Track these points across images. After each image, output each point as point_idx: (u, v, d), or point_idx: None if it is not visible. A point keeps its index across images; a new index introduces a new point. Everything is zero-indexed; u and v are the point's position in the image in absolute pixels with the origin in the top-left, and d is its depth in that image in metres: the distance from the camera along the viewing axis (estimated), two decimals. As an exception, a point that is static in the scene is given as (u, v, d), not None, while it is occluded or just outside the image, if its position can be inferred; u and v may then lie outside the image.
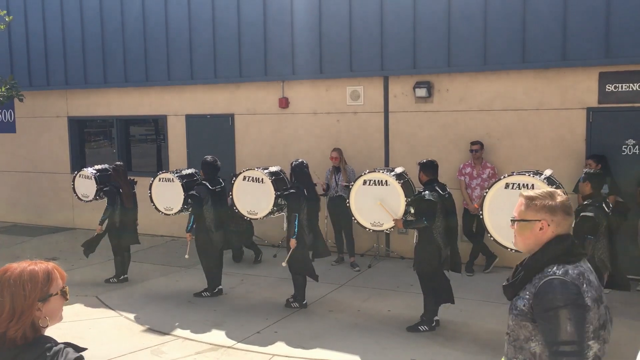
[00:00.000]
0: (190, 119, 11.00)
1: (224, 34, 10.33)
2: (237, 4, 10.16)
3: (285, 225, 7.33)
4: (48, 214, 12.63)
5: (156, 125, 11.87)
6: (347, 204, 6.86)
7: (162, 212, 8.18)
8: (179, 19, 10.67)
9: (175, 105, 11.11)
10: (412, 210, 6.50)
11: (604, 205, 5.75)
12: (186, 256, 8.01)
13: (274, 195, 7.34)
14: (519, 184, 5.71)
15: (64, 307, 2.23)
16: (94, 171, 8.87)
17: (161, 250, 10.43)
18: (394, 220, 6.51)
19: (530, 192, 2.65)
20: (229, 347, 6.18)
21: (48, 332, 2.18)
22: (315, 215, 7.33)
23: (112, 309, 7.41)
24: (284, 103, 10.08)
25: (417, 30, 8.92)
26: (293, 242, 7.07)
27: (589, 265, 2.61)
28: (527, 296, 2.53)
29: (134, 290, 8.17)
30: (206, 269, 7.80)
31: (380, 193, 6.62)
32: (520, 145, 8.59)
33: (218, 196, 7.66)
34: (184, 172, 8.21)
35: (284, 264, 7.26)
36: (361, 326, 6.65)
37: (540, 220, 2.57)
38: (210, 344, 6.26)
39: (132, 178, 8.73)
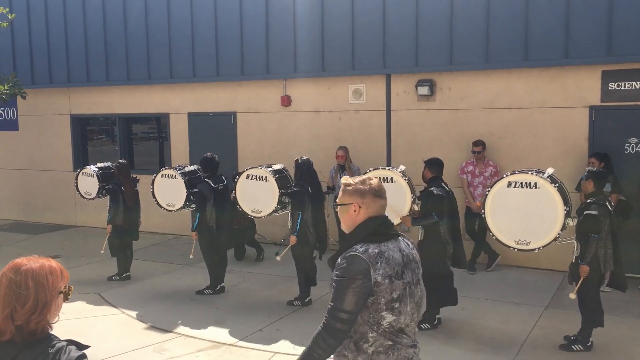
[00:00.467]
0: (193, 117, 11.00)
1: (226, 32, 10.33)
2: (240, 2, 10.15)
3: (289, 223, 7.33)
4: (50, 211, 12.65)
5: (158, 123, 11.88)
6: None
7: (164, 208, 8.19)
8: (181, 17, 10.68)
9: (178, 103, 11.12)
10: (417, 207, 6.49)
11: (607, 203, 5.74)
12: (190, 256, 8.02)
13: (278, 194, 7.34)
14: (521, 183, 5.71)
15: (67, 305, 2.23)
16: (97, 169, 8.88)
17: (163, 248, 10.44)
18: (401, 218, 6.48)
19: (347, 179, 2.97)
20: (231, 344, 6.19)
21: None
22: (319, 213, 7.32)
23: (115, 307, 7.43)
24: (286, 101, 10.09)
25: (420, 29, 8.91)
26: (293, 239, 7.07)
27: (403, 244, 2.87)
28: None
29: (136, 288, 8.18)
30: (210, 267, 7.81)
31: (386, 190, 6.58)
32: (522, 143, 8.58)
33: (221, 194, 7.67)
34: (186, 169, 8.22)
35: (278, 258, 7.32)
36: (363, 324, 6.65)
37: (352, 204, 2.86)
38: (212, 341, 6.27)
39: (134, 176, 8.74)
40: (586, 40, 7.96)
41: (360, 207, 2.85)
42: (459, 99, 8.93)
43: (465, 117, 8.90)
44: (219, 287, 7.81)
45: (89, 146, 12.62)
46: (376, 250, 2.73)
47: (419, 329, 6.34)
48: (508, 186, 5.76)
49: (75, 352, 2.12)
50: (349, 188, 2.90)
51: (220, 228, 7.68)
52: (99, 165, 9.03)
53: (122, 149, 11.86)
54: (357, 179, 2.94)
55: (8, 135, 13.06)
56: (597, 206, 5.62)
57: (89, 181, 8.87)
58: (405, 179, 6.56)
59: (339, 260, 2.77)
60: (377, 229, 2.81)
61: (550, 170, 5.87)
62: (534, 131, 8.50)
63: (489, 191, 5.90)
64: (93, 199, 8.96)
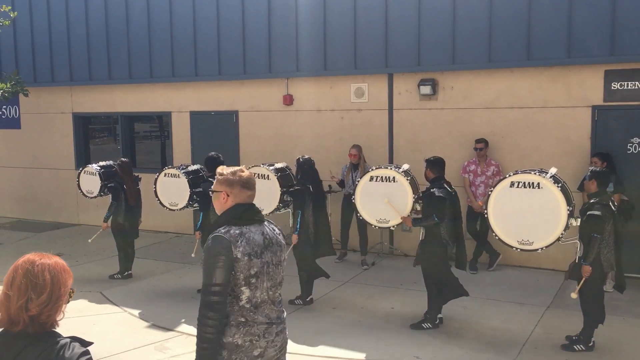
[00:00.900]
0: (195, 116, 11.01)
1: (228, 30, 10.32)
2: (242, 0, 10.15)
3: (290, 221, 7.33)
4: (52, 210, 12.66)
5: (160, 122, 11.89)
6: (353, 200, 6.84)
7: (167, 207, 8.18)
8: (183, 16, 10.68)
9: (180, 102, 11.12)
10: (419, 208, 6.48)
11: (610, 204, 5.73)
12: (192, 255, 8.03)
13: (280, 192, 7.34)
14: (524, 183, 5.70)
15: (69, 303, 2.26)
16: (99, 167, 8.88)
17: (165, 246, 10.45)
18: (402, 218, 6.47)
19: (221, 169, 3.30)
20: (232, 343, 6.19)
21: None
22: (321, 212, 7.31)
23: (116, 305, 7.43)
24: (288, 100, 10.08)
25: (422, 28, 8.90)
26: (295, 238, 7.07)
27: (267, 229, 3.21)
28: None
29: (138, 287, 8.19)
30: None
31: (388, 190, 6.58)
32: (524, 143, 8.57)
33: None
34: (190, 168, 8.22)
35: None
36: (364, 323, 6.66)
37: (222, 192, 3.20)
38: (214, 340, 6.27)
39: (136, 174, 8.74)
40: (589, 39, 7.95)
41: (228, 195, 3.19)
42: (461, 98, 8.92)
43: (468, 116, 8.89)
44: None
45: (91, 145, 12.63)
46: (237, 231, 3.07)
47: (420, 329, 6.37)
48: (511, 186, 5.76)
49: (79, 349, 2.14)
50: (221, 178, 3.23)
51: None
52: (101, 163, 9.04)
53: (124, 147, 11.86)
54: (230, 169, 3.26)
55: (10, 134, 13.08)
56: (601, 206, 5.61)
57: (91, 180, 8.87)
58: (407, 179, 6.55)
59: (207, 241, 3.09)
60: (242, 214, 3.15)
61: (553, 170, 5.86)
62: (536, 131, 8.48)
63: (491, 191, 5.89)
64: (95, 197, 8.96)
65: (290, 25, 9.82)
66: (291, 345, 6.08)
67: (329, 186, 8.99)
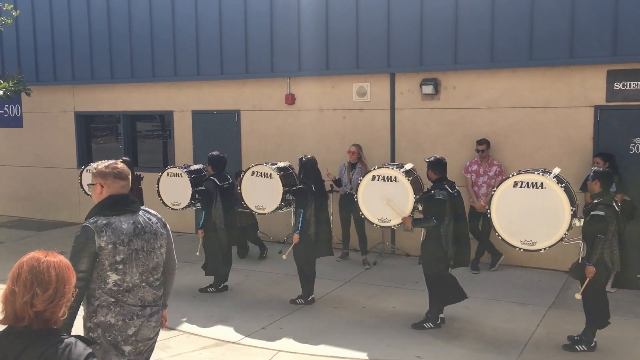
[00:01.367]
0: (197, 115, 11.01)
1: (231, 30, 10.32)
2: (244, 0, 10.15)
3: (292, 220, 7.33)
4: (54, 209, 12.67)
5: (162, 121, 11.89)
6: (355, 199, 6.85)
7: (170, 207, 8.19)
8: (185, 15, 10.68)
9: (182, 101, 11.13)
10: (421, 208, 6.47)
11: (614, 204, 5.71)
12: (197, 253, 8.03)
13: (282, 191, 7.35)
14: (527, 183, 5.69)
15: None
16: (101, 166, 8.87)
17: (167, 245, 10.44)
18: (402, 218, 6.47)
19: (96, 164, 3.56)
20: (234, 342, 6.20)
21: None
22: (323, 212, 7.32)
23: (118, 304, 7.43)
24: (290, 99, 10.08)
25: (424, 27, 8.90)
26: (296, 237, 7.08)
27: (143, 218, 3.49)
28: None
29: (139, 286, 8.18)
30: (214, 265, 7.82)
31: (389, 189, 6.58)
32: (526, 143, 8.56)
33: (226, 192, 7.66)
34: (192, 168, 8.23)
35: (284, 257, 7.34)
36: (366, 323, 6.66)
37: (97, 184, 3.47)
38: (216, 339, 6.28)
39: (138, 174, 8.74)
40: (591, 39, 7.94)
41: (102, 186, 3.46)
42: (463, 98, 8.91)
43: (470, 116, 8.88)
44: (222, 285, 7.81)
45: (93, 144, 12.63)
46: (104, 222, 3.34)
47: (422, 328, 6.37)
48: (514, 186, 5.75)
49: (85, 349, 2.15)
50: (95, 171, 3.50)
51: (226, 226, 7.67)
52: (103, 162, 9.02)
53: (126, 146, 11.87)
54: (105, 163, 3.52)
55: (12, 132, 13.09)
56: (604, 207, 5.60)
57: (93, 178, 8.86)
58: (409, 179, 6.54)
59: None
60: (113, 205, 3.41)
61: (556, 170, 5.85)
62: (538, 131, 8.48)
63: (494, 191, 5.89)
64: (97, 196, 8.96)
65: (293, 25, 9.82)
66: (292, 345, 6.10)
67: (331, 186, 8.99)
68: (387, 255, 9.44)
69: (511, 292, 7.63)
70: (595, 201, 5.70)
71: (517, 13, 8.31)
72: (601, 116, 8.11)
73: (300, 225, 7.04)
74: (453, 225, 6.31)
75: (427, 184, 6.75)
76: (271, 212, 7.60)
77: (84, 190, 9.04)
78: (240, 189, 7.68)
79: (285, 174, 7.53)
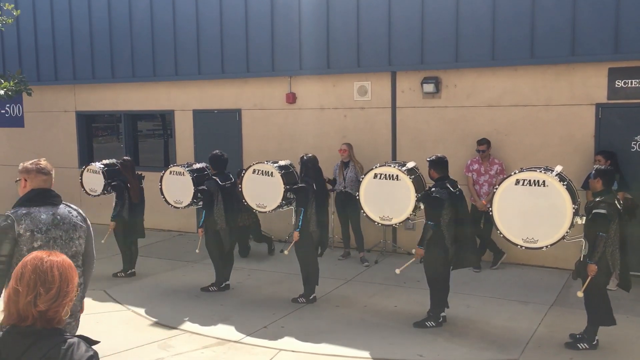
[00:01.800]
0: (198, 114, 11.00)
1: (231, 29, 10.32)
2: (245, -2, 10.15)
3: (293, 219, 7.34)
4: (56, 208, 12.65)
5: (163, 121, 11.89)
6: (357, 197, 6.84)
7: (172, 205, 8.21)
8: (186, 14, 10.67)
9: (183, 100, 11.12)
10: (422, 207, 6.46)
11: (616, 202, 5.70)
12: (197, 250, 8.04)
13: (283, 189, 7.35)
14: (529, 181, 5.68)
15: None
16: (102, 166, 8.89)
17: (168, 244, 10.46)
18: (416, 253, 6.36)
19: (23, 163, 3.99)
20: (235, 341, 6.20)
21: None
22: (324, 210, 7.32)
23: (120, 303, 7.44)
24: (291, 98, 10.07)
25: (425, 25, 8.88)
26: (296, 235, 7.08)
27: (64, 210, 3.85)
28: None
29: (141, 285, 8.19)
30: (215, 264, 7.82)
31: (391, 188, 6.57)
32: (528, 141, 8.55)
33: (228, 192, 7.67)
34: (194, 167, 8.24)
35: (285, 252, 7.38)
36: (368, 322, 6.65)
37: (21, 179, 3.90)
38: (217, 338, 6.28)
39: (139, 173, 8.75)
40: (593, 37, 7.92)
41: (26, 181, 3.89)
42: (464, 96, 8.90)
43: (471, 114, 8.87)
44: (224, 284, 7.81)
45: (94, 143, 12.63)
46: (24, 211, 3.75)
47: (424, 327, 6.36)
48: (516, 184, 5.74)
49: (87, 350, 2.16)
50: (21, 168, 3.92)
51: (227, 225, 7.68)
52: (104, 162, 9.05)
53: (127, 146, 11.87)
54: (30, 161, 3.97)
55: (14, 132, 13.09)
56: (606, 205, 5.58)
57: (94, 178, 8.88)
58: (411, 177, 6.53)
59: None
60: (33, 197, 3.81)
61: (558, 168, 5.84)
62: (540, 129, 8.46)
63: (496, 189, 5.88)
64: (98, 195, 8.98)
65: (293, 24, 9.81)
66: (294, 344, 6.10)
67: (327, 181, 8.99)
68: (388, 253, 9.44)
69: (513, 290, 7.62)
70: (597, 199, 5.68)
71: (518, 11, 8.29)
72: (603, 114, 8.09)
73: (300, 223, 7.04)
74: (455, 225, 6.30)
75: (430, 183, 6.74)
76: (272, 210, 7.60)
77: (85, 190, 9.04)
78: (241, 187, 7.69)
79: (286, 173, 7.54)
